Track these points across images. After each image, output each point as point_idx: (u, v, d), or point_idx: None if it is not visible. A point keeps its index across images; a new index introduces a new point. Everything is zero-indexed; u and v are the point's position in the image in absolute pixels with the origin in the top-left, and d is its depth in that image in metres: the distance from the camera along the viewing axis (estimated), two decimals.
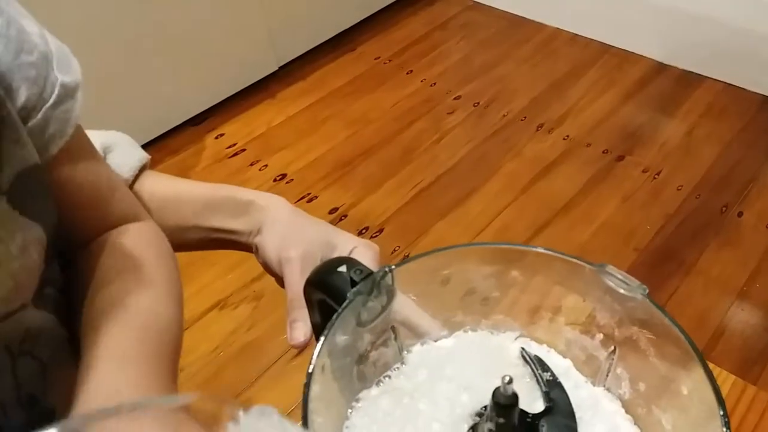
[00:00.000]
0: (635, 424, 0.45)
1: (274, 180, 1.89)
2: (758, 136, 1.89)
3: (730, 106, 1.98)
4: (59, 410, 0.45)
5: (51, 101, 0.43)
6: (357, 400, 0.46)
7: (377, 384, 0.48)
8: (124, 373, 0.39)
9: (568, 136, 1.91)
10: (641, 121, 1.97)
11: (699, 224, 1.66)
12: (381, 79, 2.16)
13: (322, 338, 0.41)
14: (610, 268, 0.42)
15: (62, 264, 0.50)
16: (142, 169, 0.59)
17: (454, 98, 2.08)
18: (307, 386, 0.38)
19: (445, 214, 1.70)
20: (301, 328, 0.52)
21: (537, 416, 0.43)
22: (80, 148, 0.48)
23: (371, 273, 0.44)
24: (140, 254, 0.48)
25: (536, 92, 2.07)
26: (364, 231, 1.72)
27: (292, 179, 1.90)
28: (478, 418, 0.43)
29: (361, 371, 0.47)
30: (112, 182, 0.51)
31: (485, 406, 0.45)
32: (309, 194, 1.85)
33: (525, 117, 1.99)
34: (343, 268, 0.45)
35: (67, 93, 0.44)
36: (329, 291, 0.45)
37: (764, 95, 1.98)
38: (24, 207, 0.40)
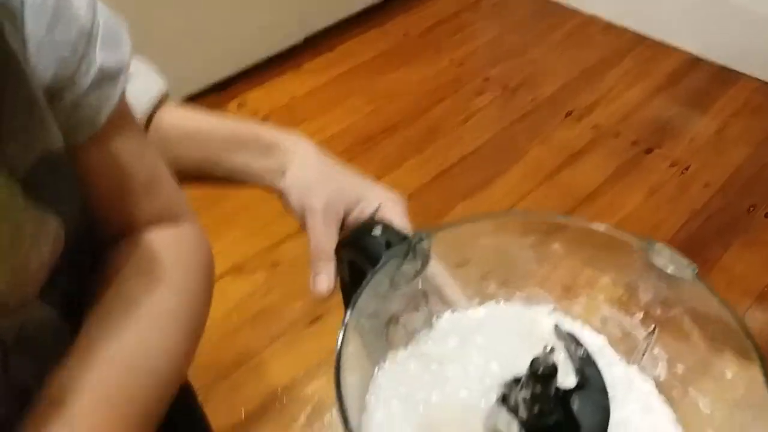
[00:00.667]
0: (669, 406, 0.44)
1: None
2: None
3: (765, 106, 1.94)
4: None
5: (84, 86, 0.39)
6: (384, 362, 0.46)
7: (405, 347, 0.47)
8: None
9: (597, 125, 1.88)
10: (672, 115, 1.93)
11: (724, 222, 1.63)
12: (408, 56, 2.13)
13: (354, 298, 0.40)
14: (659, 245, 0.41)
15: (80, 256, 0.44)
16: (163, 101, 0.56)
17: (483, 80, 2.04)
18: (340, 345, 0.37)
19: (467, 197, 1.68)
20: (324, 281, 0.51)
21: (568, 392, 0.42)
22: (118, 132, 0.42)
23: (407, 237, 0.43)
24: (162, 273, 0.43)
25: (567, 79, 2.03)
26: None
27: None
28: (506, 389, 0.42)
29: (390, 334, 0.46)
30: (152, 174, 0.45)
31: (515, 378, 0.44)
32: None
33: (554, 103, 1.96)
34: (378, 231, 0.44)
35: (106, 77, 0.40)
36: (363, 253, 0.44)
37: None
38: (41, 197, 0.36)
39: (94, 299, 0.41)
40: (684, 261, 0.40)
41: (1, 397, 0.38)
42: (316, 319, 1.49)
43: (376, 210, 0.51)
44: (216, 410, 1.34)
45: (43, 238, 0.37)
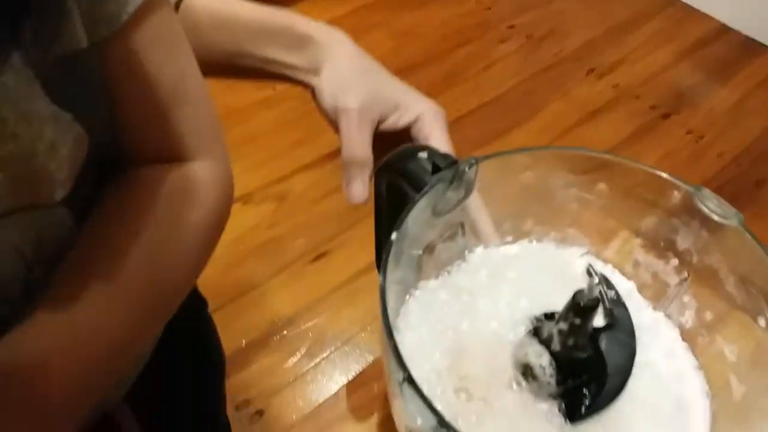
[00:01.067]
0: (692, 351, 0.44)
1: None
2: None
3: None
4: None
5: None
6: (416, 289, 0.46)
7: (436, 278, 0.47)
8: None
9: (618, 84, 1.85)
10: (694, 82, 1.90)
11: (733, 193, 1.63)
12: None
13: (401, 218, 0.40)
14: (707, 191, 0.41)
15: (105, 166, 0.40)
16: None
17: (508, 27, 2.00)
18: (385, 266, 0.37)
19: (483, 145, 1.67)
20: (359, 189, 0.48)
21: (598, 330, 0.43)
22: (145, 36, 0.37)
23: (455, 162, 0.42)
24: (163, 227, 0.39)
25: (592, 35, 1.99)
26: None
27: None
28: (538, 323, 0.43)
29: (425, 261, 0.46)
30: (181, 91, 0.40)
31: (544, 314, 0.44)
32: None
33: (578, 58, 1.93)
34: (424, 154, 0.44)
35: None
36: (407, 175, 0.44)
37: None
38: (64, 100, 0.33)
39: (86, 242, 0.38)
40: (731, 209, 0.40)
41: (22, 307, 0.36)
42: (320, 256, 1.50)
43: (415, 120, 0.49)
44: None
45: (61, 141, 0.34)
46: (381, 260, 0.53)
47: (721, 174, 1.68)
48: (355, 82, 0.50)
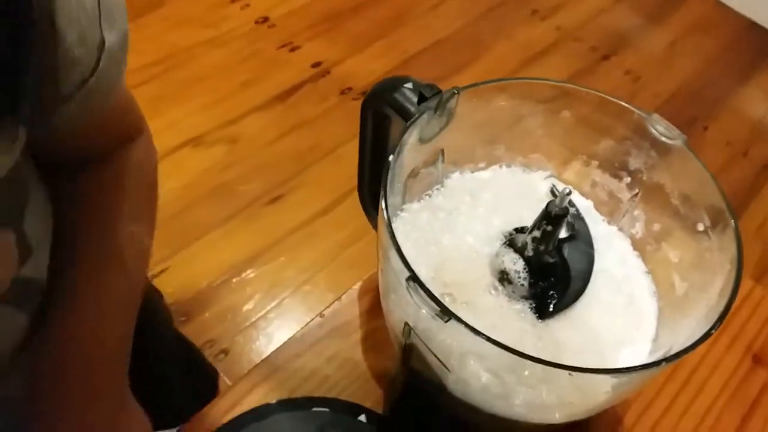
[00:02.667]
0: (642, 258, 0.51)
1: (255, 22, 1.83)
2: (737, 57, 1.95)
3: (718, 24, 2.02)
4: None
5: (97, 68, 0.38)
6: (402, 211, 0.51)
7: (419, 200, 0.52)
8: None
9: (560, 26, 1.92)
10: (631, 24, 1.98)
11: None
12: None
13: (396, 147, 0.44)
14: (656, 116, 0.47)
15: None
16: None
17: None
18: (386, 187, 0.41)
19: None
20: None
21: (561, 240, 0.49)
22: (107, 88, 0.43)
23: (440, 91, 0.47)
24: (137, 192, 0.52)
25: None
26: (347, 91, 1.71)
27: (275, 24, 1.83)
28: (509, 236, 0.49)
29: (409, 186, 0.51)
30: (126, 105, 0.50)
31: (515, 228, 0.50)
32: (291, 43, 1.80)
33: (521, 0, 1.97)
34: (409, 84, 0.48)
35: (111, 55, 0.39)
36: (394, 103, 0.48)
37: (751, 19, 2.02)
38: None
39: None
40: (677, 131, 0.46)
41: None
42: (276, 199, 1.52)
43: None
44: (173, 282, 1.38)
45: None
46: (366, 187, 0.58)
47: (657, 113, 1.78)
48: None
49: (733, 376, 0.64)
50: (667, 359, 0.37)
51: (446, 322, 0.34)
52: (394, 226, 0.50)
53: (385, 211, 0.39)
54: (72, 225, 0.46)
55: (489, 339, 0.34)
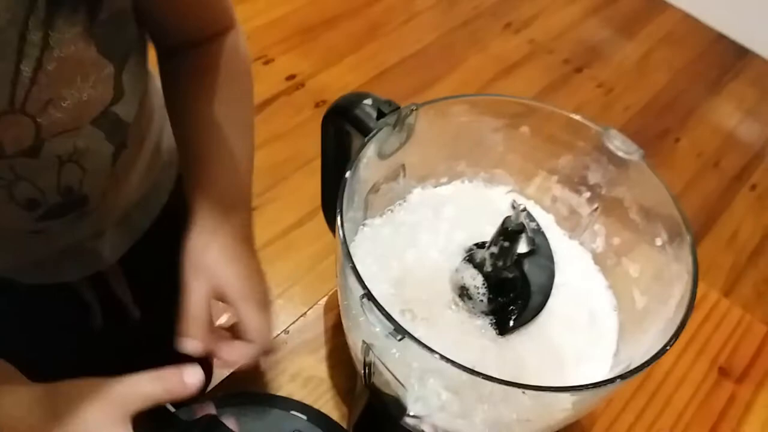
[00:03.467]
0: (602, 273, 0.51)
1: None
2: (706, 69, 1.98)
3: (687, 37, 2.06)
4: (91, 198, 0.51)
5: None
6: (364, 226, 0.51)
7: (381, 215, 0.52)
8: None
9: (533, 39, 1.94)
10: (603, 37, 2.01)
11: (638, 144, 1.76)
12: None
13: (354, 161, 0.44)
14: (613, 131, 0.47)
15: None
16: None
17: None
18: (342, 208, 0.41)
19: (406, 99, 1.70)
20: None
21: (522, 255, 0.49)
22: None
23: (398, 107, 0.46)
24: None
25: None
26: (321, 104, 1.71)
27: (249, 37, 1.83)
28: (472, 251, 0.49)
29: (371, 201, 0.50)
30: None
31: (476, 244, 0.50)
32: (265, 56, 1.80)
33: (494, 13, 1.99)
34: (368, 101, 0.48)
35: None
36: (353, 120, 0.47)
37: (719, 32, 2.06)
38: (105, 47, 0.42)
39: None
40: (634, 146, 0.46)
41: (50, 191, 0.47)
42: None
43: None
44: None
45: (101, 81, 0.43)
46: (329, 203, 0.58)
47: (629, 125, 1.80)
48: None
49: (699, 388, 0.64)
50: (622, 376, 0.37)
51: (400, 340, 0.34)
52: (356, 240, 0.50)
53: (340, 228, 0.39)
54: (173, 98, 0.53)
55: (444, 358, 0.34)
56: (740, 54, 2.02)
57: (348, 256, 0.37)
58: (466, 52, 1.86)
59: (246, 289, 0.45)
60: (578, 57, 1.92)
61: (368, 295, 0.35)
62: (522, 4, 2.03)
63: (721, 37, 2.05)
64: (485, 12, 1.98)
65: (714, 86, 1.95)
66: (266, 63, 1.78)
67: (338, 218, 0.39)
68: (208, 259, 0.45)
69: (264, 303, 0.46)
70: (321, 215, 0.58)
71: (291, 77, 1.75)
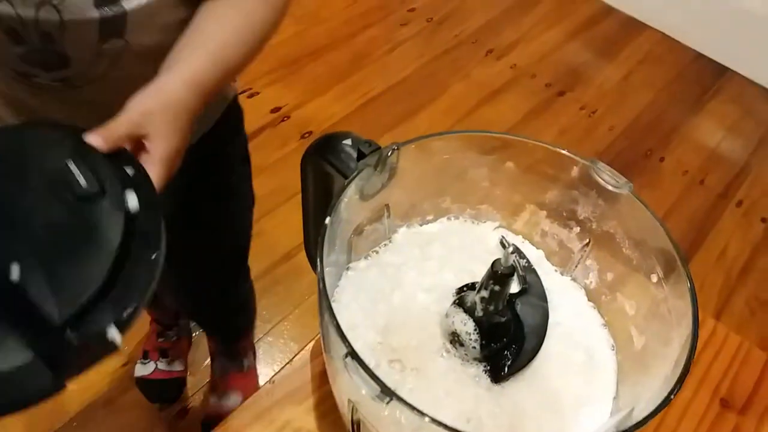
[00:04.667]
0: (597, 310, 0.49)
1: None
2: (686, 88, 1.99)
3: (667, 58, 2.07)
4: (73, 65, 0.52)
5: None
6: (348, 269, 0.49)
7: (366, 257, 0.50)
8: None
9: (515, 64, 1.94)
10: (584, 60, 2.02)
11: (624, 164, 1.76)
12: None
13: (334, 205, 0.42)
14: (602, 164, 0.45)
15: None
16: None
17: (408, 10, 2.04)
18: (322, 252, 0.39)
19: (392, 128, 1.70)
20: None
21: (513, 295, 0.47)
22: None
23: (379, 148, 0.45)
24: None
25: (489, 16, 2.07)
26: (307, 135, 1.70)
27: None
28: (462, 293, 0.47)
29: (355, 243, 0.48)
30: None
31: (465, 285, 0.48)
32: (250, 89, 1.79)
33: (476, 40, 2.00)
34: (348, 141, 0.46)
35: None
36: (333, 160, 0.46)
37: (698, 51, 2.08)
38: None
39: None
40: (623, 179, 0.45)
41: (33, 31, 0.48)
42: None
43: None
44: (130, 335, 1.32)
45: None
46: (311, 244, 0.55)
47: (613, 146, 1.80)
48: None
49: (702, 421, 0.62)
50: (627, 431, 0.34)
51: (387, 403, 0.32)
52: (340, 285, 0.48)
53: (321, 280, 0.37)
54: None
55: (435, 421, 0.32)
56: (719, 72, 2.04)
57: (330, 311, 0.35)
58: (450, 79, 1.86)
59: (169, 151, 0.44)
60: (560, 81, 1.93)
61: (352, 354, 0.33)
62: (503, 31, 2.04)
63: (699, 57, 2.07)
64: (467, 40, 1.99)
65: (695, 105, 1.96)
66: (251, 96, 1.77)
67: (318, 266, 0.37)
68: (156, 104, 0.45)
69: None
70: None
71: (276, 109, 1.74)
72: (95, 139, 0.41)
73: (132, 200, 0.37)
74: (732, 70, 2.05)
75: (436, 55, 1.94)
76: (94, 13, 0.48)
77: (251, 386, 1.22)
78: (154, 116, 0.44)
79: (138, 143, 0.43)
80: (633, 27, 2.15)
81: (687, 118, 1.93)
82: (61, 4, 0.47)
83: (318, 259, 0.37)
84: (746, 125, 1.95)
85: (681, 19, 2.09)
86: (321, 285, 0.37)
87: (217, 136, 0.71)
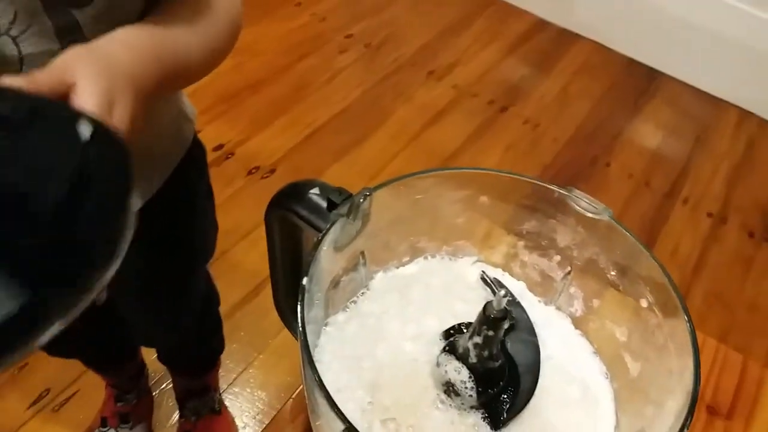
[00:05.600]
0: (586, 337, 0.48)
1: None
2: (624, 94, 2.05)
3: (601, 66, 2.13)
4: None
5: None
6: (326, 325, 0.46)
7: (344, 310, 0.47)
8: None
9: (456, 84, 1.96)
10: (522, 74, 2.06)
11: (572, 174, 1.79)
12: (268, 8, 2.07)
13: (311, 264, 0.39)
14: (578, 192, 0.44)
15: None
16: None
17: (345, 36, 2.04)
18: (302, 312, 0.36)
19: (340, 157, 1.68)
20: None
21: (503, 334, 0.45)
22: None
23: (350, 195, 0.43)
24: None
25: (426, 39, 2.09)
26: (254, 171, 1.66)
27: None
28: (451, 338, 0.45)
29: (331, 296, 0.46)
30: None
31: (451, 328, 0.46)
32: None
33: (415, 63, 2.01)
34: (316, 191, 0.44)
35: None
36: (302, 215, 0.43)
37: (630, 57, 2.15)
38: None
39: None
40: (601, 205, 0.44)
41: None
42: None
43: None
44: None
45: None
46: (281, 301, 0.52)
47: (559, 156, 1.83)
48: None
49: (693, 430, 0.61)
50: None
51: None
52: (319, 344, 0.45)
53: (304, 352, 0.34)
54: None
55: None
56: (652, 76, 2.11)
57: (321, 385, 0.32)
58: (393, 104, 1.86)
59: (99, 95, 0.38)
60: (502, 97, 1.95)
61: (351, 429, 0.30)
62: (440, 53, 2.06)
63: (632, 62, 2.14)
64: (406, 63, 2.00)
65: (632, 109, 2.01)
66: None
67: (300, 335, 0.35)
68: (84, 50, 0.39)
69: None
70: (267, 289, 0.53)
71: (219, 147, 1.69)
72: (15, 81, 0.34)
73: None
74: (663, 73, 2.13)
75: (377, 80, 1.93)
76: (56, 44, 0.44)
77: (229, 430, 1.18)
78: (81, 60, 0.38)
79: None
80: (566, 39, 2.20)
81: (626, 122, 1.98)
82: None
83: (300, 327, 0.35)
84: (683, 125, 2.02)
85: (611, 28, 2.16)
86: (305, 355, 0.34)
87: (182, 180, 0.68)
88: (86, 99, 0.35)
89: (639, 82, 2.09)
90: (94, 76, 0.37)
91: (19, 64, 0.44)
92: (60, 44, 0.44)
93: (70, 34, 0.45)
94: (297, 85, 1.86)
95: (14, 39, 0.43)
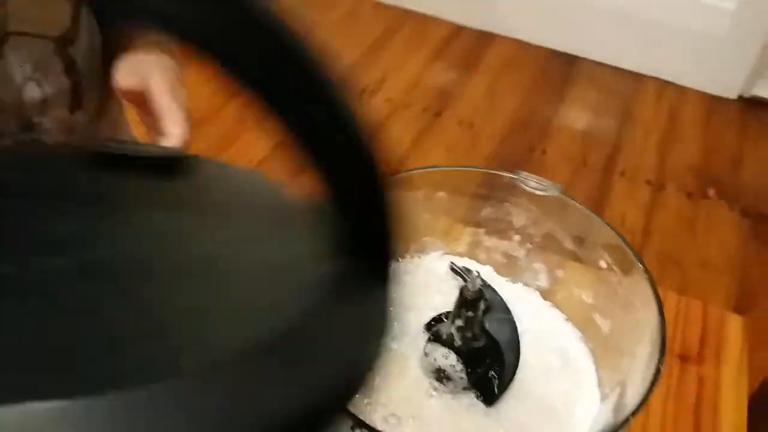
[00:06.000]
0: (556, 307, 0.51)
1: None
2: (549, 83, 2.14)
3: (523, 60, 2.22)
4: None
5: None
6: None
7: None
8: None
9: (390, 98, 2.00)
10: (449, 79, 2.12)
11: (512, 165, 1.84)
12: None
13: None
14: (525, 173, 0.48)
15: None
16: None
17: None
18: None
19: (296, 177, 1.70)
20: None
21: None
22: None
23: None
24: None
25: (354, 57, 2.13)
26: None
27: None
28: (434, 328, 0.47)
29: None
30: None
31: (433, 319, 0.48)
32: None
33: (347, 82, 2.04)
34: None
35: None
36: None
37: (550, 48, 2.24)
38: None
39: None
40: (549, 182, 0.47)
41: None
42: None
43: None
44: None
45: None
46: None
47: (498, 151, 1.89)
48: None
49: (670, 379, 0.65)
50: (634, 412, 0.36)
51: None
52: None
53: None
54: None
55: None
56: (571, 62, 2.21)
57: None
58: None
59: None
60: (434, 103, 2.01)
61: (360, 423, 0.32)
62: (368, 69, 2.10)
63: (552, 53, 2.23)
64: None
65: (558, 96, 2.10)
66: None
67: None
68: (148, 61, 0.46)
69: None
70: None
71: None
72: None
73: None
74: (583, 58, 2.23)
75: None
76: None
77: None
78: (145, 61, 0.44)
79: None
80: (485, 39, 2.28)
81: (555, 109, 2.06)
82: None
83: None
84: (608, 103, 2.12)
85: (526, 22, 2.25)
86: None
87: None
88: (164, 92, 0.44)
89: (561, 70, 2.18)
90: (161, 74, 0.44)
91: (41, 106, 0.48)
92: (68, 80, 0.48)
93: (72, 71, 0.49)
94: (235, 121, 1.87)
95: (38, 82, 0.46)
